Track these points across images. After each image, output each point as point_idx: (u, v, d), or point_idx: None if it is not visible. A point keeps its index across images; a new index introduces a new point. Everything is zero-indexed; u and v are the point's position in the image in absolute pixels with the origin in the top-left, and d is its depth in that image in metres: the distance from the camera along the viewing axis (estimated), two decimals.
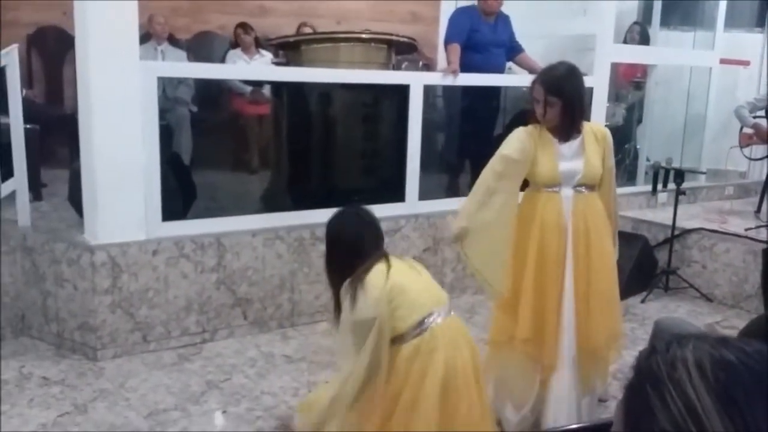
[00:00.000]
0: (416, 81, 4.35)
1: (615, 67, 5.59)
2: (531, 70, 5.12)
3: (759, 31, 6.50)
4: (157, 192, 3.58)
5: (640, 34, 6.42)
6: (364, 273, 2.16)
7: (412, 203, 4.38)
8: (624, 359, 3.10)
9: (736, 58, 6.11)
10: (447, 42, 5.00)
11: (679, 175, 4.71)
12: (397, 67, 5.43)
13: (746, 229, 4.69)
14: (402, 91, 4.27)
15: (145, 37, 5.37)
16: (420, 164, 4.36)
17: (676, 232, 4.74)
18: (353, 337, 2.16)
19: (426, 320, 2.17)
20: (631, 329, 4.01)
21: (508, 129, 5.79)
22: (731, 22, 6.01)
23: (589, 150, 2.77)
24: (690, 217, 5.07)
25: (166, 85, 5.48)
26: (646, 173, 5.62)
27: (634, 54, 5.98)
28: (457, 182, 5.15)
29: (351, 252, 2.24)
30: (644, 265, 4.73)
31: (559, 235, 2.72)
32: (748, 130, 5.46)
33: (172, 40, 6.07)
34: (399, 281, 2.16)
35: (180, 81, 5.63)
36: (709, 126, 6.03)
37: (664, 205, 5.37)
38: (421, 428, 2.09)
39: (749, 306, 4.45)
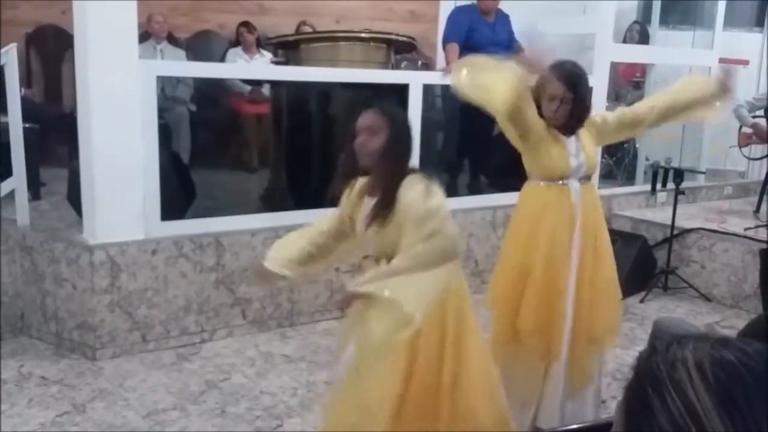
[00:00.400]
0: (415, 80, 4.34)
1: (614, 66, 5.59)
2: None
3: (758, 31, 6.51)
4: (156, 191, 3.58)
5: (639, 34, 6.42)
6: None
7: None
8: (623, 359, 3.10)
9: (735, 57, 6.10)
10: (445, 41, 5.00)
11: (678, 175, 4.71)
12: (396, 66, 5.43)
13: (745, 229, 4.69)
14: (401, 90, 4.27)
15: (144, 36, 5.37)
16: (419, 163, 4.35)
17: (675, 232, 4.74)
18: (423, 226, 2.03)
19: None
20: (630, 329, 4.01)
21: None
22: (730, 22, 6.00)
23: (586, 141, 2.80)
24: (689, 216, 5.07)
25: (165, 84, 5.48)
26: (645, 173, 5.62)
27: (633, 53, 5.98)
28: (455, 181, 5.14)
29: (409, 146, 2.23)
30: (643, 265, 4.73)
31: (570, 227, 2.76)
32: (747, 130, 5.46)
33: (171, 39, 6.06)
34: None
35: (179, 80, 5.63)
36: (708, 125, 6.02)
37: (663, 204, 5.37)
38: None
39: (748, 306, 4.45)
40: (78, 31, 3.43)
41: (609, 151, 5.78)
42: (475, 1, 5.12)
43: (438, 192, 2.08)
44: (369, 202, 2.18)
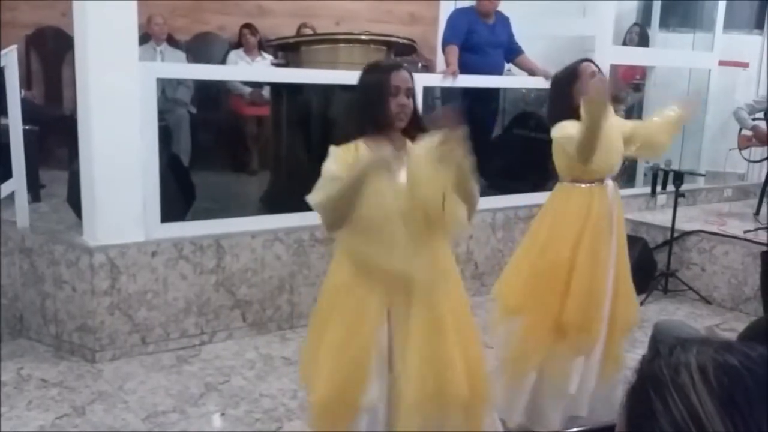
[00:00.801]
0: (415, 83, 4.34)
1: (614, 68, 5.59)
2: (530, 72, 5.13)
3: (758, 33, 6.51)
4: (156, 193, 3.58)
5: (639, 36, 6.42)
6: None
7: None
8: (624, 361, 3.10)
9: (735, 59, 6.11)
10: (445, 43, 5.01)
11: (678, 177, 4.71)
12: None
13: (745, 232, 4.69)
14: None
15: (144, 38, 5.37)
16: None
17: (675, 234, 4.74)
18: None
19: None
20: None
21: (508, 130, 5.84)
22: (730, 24, 6.01)
23: (616, 140, 2.87)
24: (689, 219, 5.07)
25: (165, 86, 5.48)
26: (645, 175, 5.62)
27: (633, 56, 5.98)
28: None
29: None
30: (643, 268, 4.73)
31: (609, 225, 2.87)
32: (747, 132, 5.46)
33: (171, 41, 6.06)
34: None
35: (179, 82, 5.63)
36: (708, 128, 6.03)
37: (663, 207, 5.37)
38: None
39: (748, 308, 4.44)
40: (78, 32, 3.43)
41: None
42: (474, 3, 5.12)
43: None
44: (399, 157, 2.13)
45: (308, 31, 6.19)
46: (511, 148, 5.47)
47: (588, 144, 2.64)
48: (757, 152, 5.66)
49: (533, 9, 5.64)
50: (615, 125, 2.92)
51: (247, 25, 6.17)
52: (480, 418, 2.32)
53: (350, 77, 4.24)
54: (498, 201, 4.76)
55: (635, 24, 6.62)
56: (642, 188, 5.56)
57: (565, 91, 2.83)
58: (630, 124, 3.05)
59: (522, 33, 5.24)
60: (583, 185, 2.86)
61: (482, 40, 4.99)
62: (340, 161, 2.10)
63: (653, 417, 0.68)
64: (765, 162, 5.61)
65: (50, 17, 5.83)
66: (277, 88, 4.83)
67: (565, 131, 2.77)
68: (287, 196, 4.50)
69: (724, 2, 5.82)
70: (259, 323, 3.87)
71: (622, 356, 3.00)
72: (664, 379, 0.69)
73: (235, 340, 3.78)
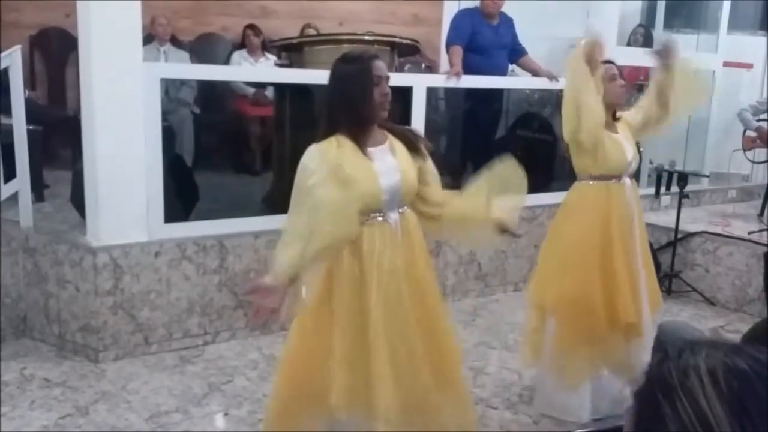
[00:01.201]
0: (419, 83, 4.34)
1: (618, 69, 5.58)
2: (534, 73, 5.12)
3: (762, 34, 6.49)
4: (160, 193, 3.58)
5: (644, 37, 6.41)
6: None
7: None
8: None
9: (740, 61, 6.10)
10: (449, 44, 5.00)
11: (682, 178, 4.70)
12: (399, 69, 5.43)
13: (749, 233, 4.68)
14: (405, 93, 4.26)
15: (147, 39, 5.37)
16: None
17: (679, 236, 4.72)
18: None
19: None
20: None
21: (511, 131, 5.83)
22: (734, 25, 6.00)
23: (629, 138, 2.98)
24: (693, 220, 5.06)
25: (169, 87, 5.48)
26: (649, 176, 5.61)
27: (637, 56, 5.96)
28: (459, 184, 5.12)
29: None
30: None
31: (631, 221, 2.97)
32: (751, 133, 5.45)
33: (175, 42, 6.06)
34: None
35: (182, 82, 5.63)
36: (712, 129, 6.02)
37: (667, 208, 5.36)
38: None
39: (752, 310, 4.43)
40: (82, 33, 3.43)
41: None
42: (478, 5, 5.12)
43: None
44: (379, 152, 2.17)
45: (312, 32, 6.18)
46: (514, 149, 5.45)
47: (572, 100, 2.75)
48: (762, 153, 5.64)
49: (537, 10, 5.63)
50: (625, 123, 2.96)
51: (251, 26, 6.17)
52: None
53: None
54: None
55: (640, 25, 6.61)
56: (646, 189, 5.53)
57: None
58: (635, 114, 3.11)
59: (526, 34, 5.23)
60: (600, 183, 2.92)
61: (486, 41, 4.99)
62: (323, 162, 2.09)
63: (661, 420, 0.67)
64: None
65: (54, 18, 5.84)
66: (280, 88, 4.83)
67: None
68: (290, 196, 4.50)
69: (729, 3, 5.81)
70: (262, 324, 3.86)
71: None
72: (673, 382, 0.68)
73: (238, 340, 3.78)
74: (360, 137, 2.14)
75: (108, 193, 3.44)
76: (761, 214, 5.29)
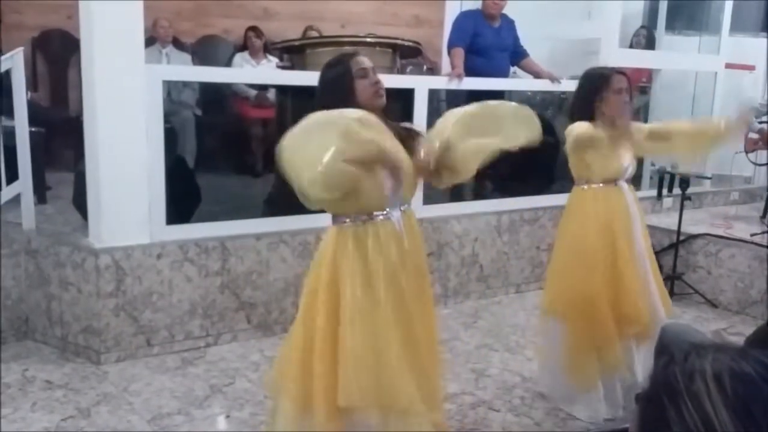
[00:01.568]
0: (421, 85, 4.34)
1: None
2: (535, 75, 5.12)
3: (764, 36, 6.48)
4: (162, 195, 3.58)
5: (646, 39, 6.41)
6: None
7: (416, 208, 4.35)
8: None
9: (742, 62, 6.09)
10: (450, 46, 5.00)
11: (684, 180, 4.69)
12: (401, 71, 5.43)
13: (752, 235, 4.67)
14: (407, 95, 4.26)
15: (149, 41, 5.37)
16: None
17: (681, 238, 4.72)
18: None
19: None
20: None
21: None
22: (736, 27, 5.99)
23: (628, 144, 2.99)
24: (695, 222, 5.05)
25: (171, 89, 5.49)
26: (651, 178, 5.61)
27: (639, 58, 5.96)
28: (460, 187, 5.13)
29: None
30: None
31: (632, 224, 2.98)
32: (753, 135, 5.44)
33: (177, 44, 6.07)
34: None
35: (184, 84, 5.64)
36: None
37: (669, 210, 5.35)
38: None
39: (755, 312, 4.42)
40: (84, 35, 3.43)
41: None
42: (480, 6, 5.12)
43: None
44: None
45: (314, 34, 6.20)
46: (516, 151, 5.45)
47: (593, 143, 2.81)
48: (764, 155, 5.62)
49: (539, 11, 5.63)
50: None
51: (253, 28, 6.18)
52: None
53: None
54: (503, 204, 4.75)
55: (642, 27, 6.60)
56: (648, 191, 5.54)
57: (590, 93, 2.93)
58: (647, 127, 3.11)
59: (527, 35, 5.23)
60: (596, 186, 2.95)
61: (488, 43, 4.99)
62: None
63: (666, 424, 0.67)
64: None
65: (56, 20, 5.85)
66: (282, 90, 4.83)
67: (575, 131, 2.87)
68: (292, 198, 4.50)
69: (731, 5, 5.81)
70: (264, 325, 3.86)
71: None
72: (679, 386, 0.68)
73: (240, 342, 3.78)
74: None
75: (110, 194, 3.45)
76: (763, 216, 5.28)
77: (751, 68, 6.24)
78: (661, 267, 4.75)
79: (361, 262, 2.16)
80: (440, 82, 4.79)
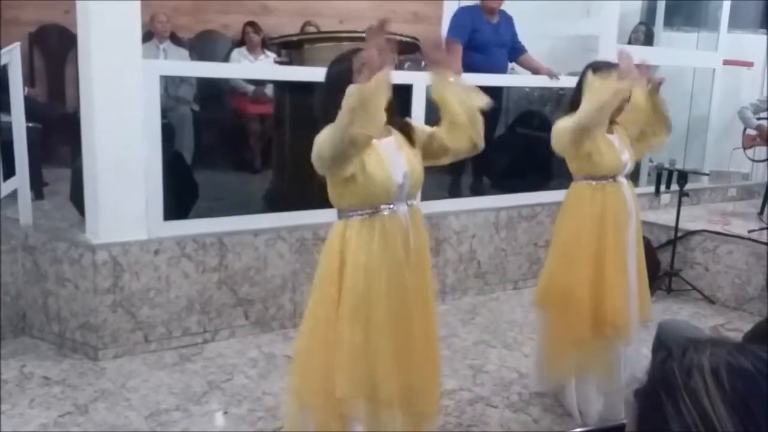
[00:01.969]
0: (419, 81, 4.33)
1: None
2: (534, 71, 5.12)
3: (762, 32, 6.49)
4: (159, 191, 3.57)
5: (645, 35, 6.40)
6: None
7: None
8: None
9: (740, 59, 6.09)
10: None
11: (682, 177, 4.70)
12: (399, 67, 5.42)
13: (749, 231, 4.67)
14: (405, 91, 4.25)
15: (147, 36, 5.36)
16: None
17: (679, 234, 4.72)
18: None
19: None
20: None
21: (511, 129, 5.83)
22: (735, 23, 5.99)
23: (625, 139, 2.98)
24: (693, 218, 5.05)
25: (168, 84, 5.47)
26: (649, 174, 5.61)
27: (637, 55, 5.95)
28: (459, 183, 5.13)
29: None
30: (647, 267, 4.70)
31: (627, 222, 2.95)
32: (751, 132, 5.45)
33: (175, 39, 6.06)
34: None
35: (182, 80, 5.62)
36: (712, 127, 6.01)
37: (666, 206, 5.35)
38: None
39: (752, 308, 4.43)
40: (81, 30, 3.42)
41: None
42: (478, 2, 5.11)
43: None
44: (385, 145, 2.21)
45: (312, 30, 6.18)
46: (514, 147, 5.46)
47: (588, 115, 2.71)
48: (762, 151, 5.64)
49: (537, 8, 5.62)
50: (622, 128, 2.98)
51: (251, 23, 6.17)
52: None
53: None
54: (501, 200, 4.75)
55: (641, 23, 6.60)
56: (646, 187, 5.54)
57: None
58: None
59: (526, 32, 5.22)
60: (595, 182, 2.92)
61: (486, 39, 4.98)
62: None
63: (664, 420, 0.67)
64: None
65: (53, 15, 5.83)
66: (280, 86, 4.82)
67: (561, 124, 2.86)
68: (290, 194, 4.50)
69: (729, 1, 5.80)
70: (261, 322, 3.86)
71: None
72: (676, 381, 0.67)
73: (238, 338, 3.78)
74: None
75: (107, 190, 3.44)
76: (761, 212, 5.28)
77: (749, 65, 6.25)
78: (659, 263, 4.80)
79: (366, 256, 2.17)
80: None
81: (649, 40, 6.39)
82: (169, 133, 4.81)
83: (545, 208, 4.75)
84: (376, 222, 2.19)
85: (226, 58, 6.20)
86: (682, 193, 4.68)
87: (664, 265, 4.78)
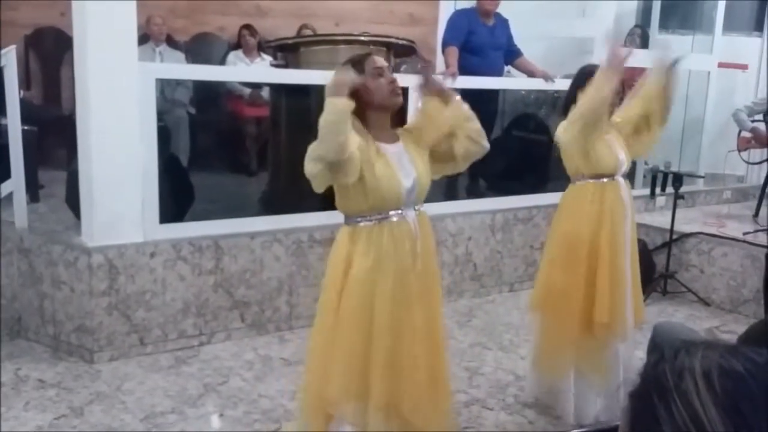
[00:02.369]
0: (415, 84, 4.33)
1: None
2: (529, 74, 5.13)
3: (757, 35, 6.51)
4: (155, 194, 3.57)
5: (641, 38, 6.41)
6: None
7: None
8: None
9: (735, 61, 6.11)
10: (445, 45, 5.00)
11: (678, 179, 4.70)
12: (395, 69, 5.42)
13: (744, 233, 4.69)
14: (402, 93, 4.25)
15: (143, 39, 5.36)
16: None
17: (674, 236, 4.73)
18: None
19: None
20: None
21: (507, 132, 5.84)
22: (730, 26, 6.01)
23: (621, 140, 2.99)
24: (688, 221, 5.07)
25: (164, 87, 5.47)
26: (644, 177, 5.61)
27: (632, 57, 5.96)
28: (455, 185, 5.14)
29: None
30: (642, 269, 4.70)
31: (624, 221, 2.95)
32: (746, 134, 5.46)
33: (171, 42, 6.05)
34: None
35: (178, 82, 5.62)
36: (707, 130, 6.03)
37: (662, 208, 5.36)
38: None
39: (747, 311, 4.44)
40: (77, 33, 3.42)
41: None
42: (474, 5, 5.12)
43: None
44: (393, 150, 2.22)
45: (308, 32, 6.18)
46: (510, 150, 5.47)
47: (587, 110, 2.73)
48: (757, 154, 5.65)
49: (533, 10, 5.63)
50: (616, 129, 2.98)
51: (247, 26, 6.17)
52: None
53: None
54: (497, 202, 4.76)
55: (637, 26, 6.61)
56: (641, 190, 5.54)
57: (580, 91, 2.89)
58: (625, 123, 3.08)
59: (522, 34, 5.23)
60: (594, 181, 2.94)
61: (482, 42, 4.99)
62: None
63: (656, 422, 0.67)
64: (764, 164, 5.60)
65: (49, 17, 5.82)
66: (276, 89, 4.82)
67: (563, 125, 2.88)
68: (286, 197, 4.50)
69: (724, 4, 5.82)
70: (257, 324, 3.86)
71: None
72: (668, 384, 0.68)
73: (234, 341, 3.77)
74: (370, 134, 2.19)
75: (103, 193, 3.44)
76: (756, 214, 5.30)
77: (744, 67, 6.26)
78: (654, 265, 4.81)
79: (373, 261, 2.17)
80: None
81: (644, 42, 6.40)
82: (165, 135, 4.80)
83: (541, 211, 4.75)
84: (385, 228, 2.19)
85: (222, 61, 6.20)
86: (678, 196, 4.69)
87: (659, 268, 4.79)
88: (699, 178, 5.62)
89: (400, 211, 2.21)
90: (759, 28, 6.53)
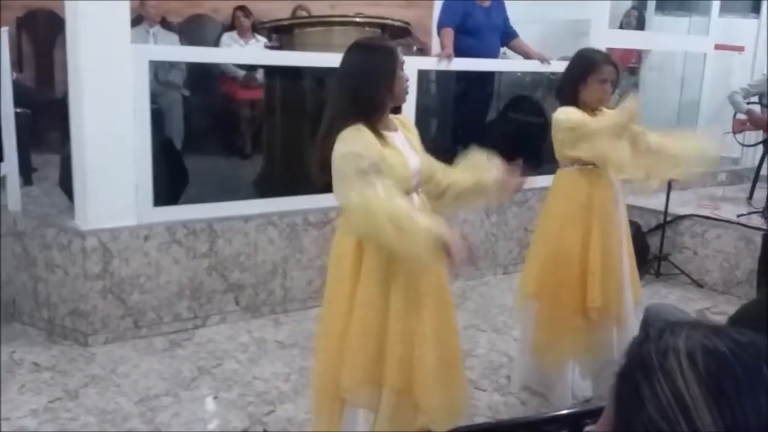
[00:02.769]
0: (410, 66, 4.29)
1: (609, 52, 5.57)
2: (525, 56, 5.11)
3: (754, 17, 6.49)
4: (149, 177, 3.56)
5: (637, 20, 6.40)
6: None
7: None
8: None
9: (731, 43, 6.10)
10: (440, 26, 4.97)
11: None
12: None
13: (738, 216, 4.70)
14: None
15: (136, 20, 5.32)
16: None
17: (668, 218, 4.74)
18: None
19: None
20: None
21: (503, 114, 5.83)
22: (726, 8, 5.99)
23: None
24: (682, 203, 5.07)
25: (158, 69, 5.44)
26: None
27: (628, 39, 5.95)
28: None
29: None
30: (636, 251, 4.67)
31: (615, 204, 2.96)
32: (741, 116, 5.46)
33: (165, 23, 6.01)
34: None
35: (172, 65, 5.58)
36: (702, 112, 6.02)
37: (656, 191, 5.36)
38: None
39: (739, 292, 4.46)
40: (69, 14, 3.39)
41: None
42: None
43: None
44: (396, 137, 2.20)
45: (303, 14, 6.15)
46: (505, 132, 5.46)
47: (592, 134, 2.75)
48: (752, 136, 5.65)
49: None
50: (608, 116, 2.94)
51: (241, 8, 6.12)
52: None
53: None
54: None
55: (633, 8, 6.59)
56: None
57: (575, 76, 2.87)
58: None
59: (518, 16, 5.21)
60: (582, 168, 2.91)
61: (478, 23, 4.96)
62: (364, 141, 2.06)
63: (640, 401, 0.67)
64: (759, 146, 5.61)
65: None
66: (270, 71, 4.80)
67: (564, 116, 2.83)
68: (280, 179, 4.49)
69: None
70: (252, 307, 3.87)
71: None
72: (653, 363, 0.68)
73: (228, 324, 3.78)
74: (378, 125, 2.16)
75: (96, 176, 3.43)
76: (750, 197, 5.31)
77: (740, 49, 6.25)
78: (648, 247, 4.82)
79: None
80: (430, 63, 4.77)
81: (640, 24, 6.38)
82: (158, 118, 4.79)
83: (536, 193, 4.75)
84: None
85: (216, 43, 6.16)
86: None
87: (653, 250, 4.81)
88: None
89: (407, 195, 2.19)
90: (755, 10, 6.51)
